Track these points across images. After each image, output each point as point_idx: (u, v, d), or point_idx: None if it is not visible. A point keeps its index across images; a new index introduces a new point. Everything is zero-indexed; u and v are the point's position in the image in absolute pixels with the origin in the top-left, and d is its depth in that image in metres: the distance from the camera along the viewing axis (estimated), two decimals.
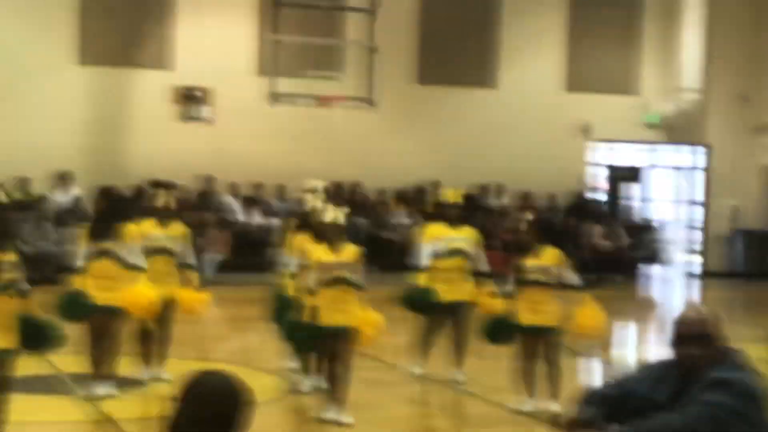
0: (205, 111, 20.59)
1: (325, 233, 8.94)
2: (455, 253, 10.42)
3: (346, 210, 9.01)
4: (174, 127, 20.39)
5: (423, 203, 21.40)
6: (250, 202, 20.35)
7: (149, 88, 20.23)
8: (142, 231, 9.98)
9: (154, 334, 10.22)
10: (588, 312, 9.28)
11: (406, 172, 21.52)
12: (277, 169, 20.50)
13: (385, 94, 19.08)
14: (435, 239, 10.52)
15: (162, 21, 20.37)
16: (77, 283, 9.46)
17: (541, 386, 9.45)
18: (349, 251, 8.95)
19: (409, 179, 21.54)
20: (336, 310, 8.78)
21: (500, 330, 9.42)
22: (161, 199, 10.24)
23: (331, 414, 8.85)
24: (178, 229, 10.28)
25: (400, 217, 20.66)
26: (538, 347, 9.32)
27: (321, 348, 8.97)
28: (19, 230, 16.38)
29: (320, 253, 8.85)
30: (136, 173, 19.21)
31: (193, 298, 10.28)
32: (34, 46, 19.55)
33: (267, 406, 9.40)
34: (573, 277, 9.41)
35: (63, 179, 19.40)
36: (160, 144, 20.10)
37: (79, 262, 9.50)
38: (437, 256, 10.43)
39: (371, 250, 20.14)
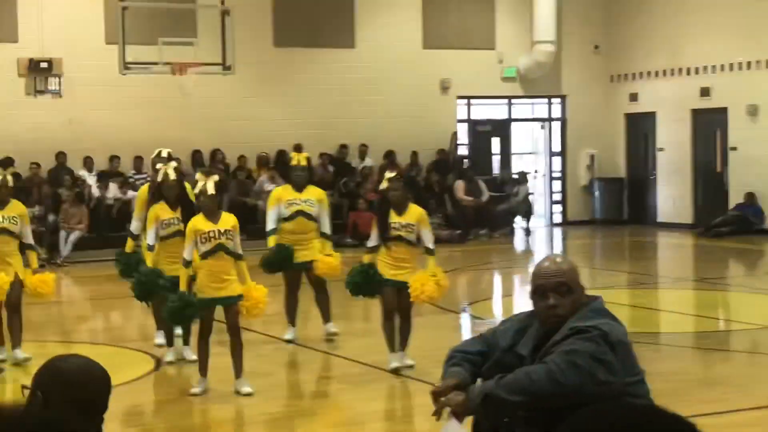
0: (54, 83, 19.86)
1: (185, 201, 8.83)
2: (297, 214, 10.63)
3: (216, 178, 8.72)
4: (22, 101, 19.64)
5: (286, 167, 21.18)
6: (106, 176, 19.78)
7: None
8: None
9: (3, 317, 9.84)
10: (422, 278, 9.24)
11: (267, 137, 21.24)
12: (133, 140, 19.96)
13: (240, 59, 18.73)
14: (279, 203, 10.72)
15: None
16: None
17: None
18: (226, 219, 8.72)
19: (271, 144, 21.27)
20: (217, 281, 8.56)
21: (364, 283, 9.43)
22: None
23: (244, 387, 8.70)
24: (16, 208, 9.87)
25: (264, 183, 20.38)
26: (398, 303, 9.33)
27: (202, 321, 8.69)
28: None
29: (198, 222, 8.58)
30: None
31: (38, 279, 9.91)
32: None
33: (138, 383, 9.17)
34: (428, 239, 9.38)
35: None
36: (9, 120, 19.33)
37: None
38: (283, 219, 10.67)
39: (236, 217, 20.02)
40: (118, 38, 17.52)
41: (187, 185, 9.71)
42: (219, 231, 8.54)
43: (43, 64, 19.64)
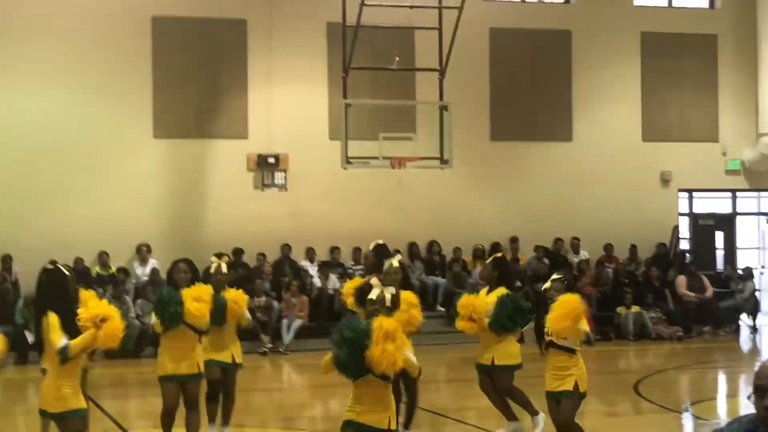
0: (279, 177, 20.71)
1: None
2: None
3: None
4: (250, 194, 20.54)
5: None
6: (327, 266, 20.32)
7: (224, 158, 20.44)
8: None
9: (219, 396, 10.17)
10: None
11: (482, 229, 21.35)
12: (353, 232, 20.49)
13: (457, 152, 18.99)
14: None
15: (234, 91, 20.62)
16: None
17: None
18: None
19: (486, 236, 21.35)
20: None
21: None
22: (215, 267, 10.14)
23: None
24: (235, 295, 10.23)
25: (478, 275, 20.40)
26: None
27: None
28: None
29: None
30: (214, 243, 19.30)
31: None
32: (111, 122, 19.91)
33: None
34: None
35: (141, 252, 19.60)
36: (237, 212, 20.25)
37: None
38: None
39: (449, 308, 20.09)
40: (341, 134, 18.11)
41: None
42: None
43: (271, 159, 20.54)
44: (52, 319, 7.13)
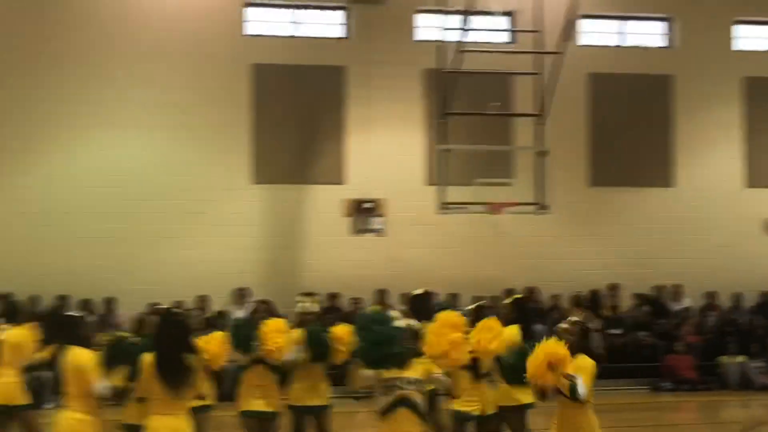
0: (377, 222, 20.76)
1: None
2: None
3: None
4: (347, 240, 20.61)
5: (600, 308, 20.86)
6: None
7: (321, 203, 20.58)
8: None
9: None
10: None
11: (581, 277, 21.04)
12: (450, 278, 20.39)
13: (556, 198, 18.81)
14: None
15: (332, 137, 20.80)
16: None
17: None
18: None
19: (585, 283, 21.05)
20: None
21: None
22: (303, 306, 10.11)
23: None
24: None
25: None
26: None
27: None
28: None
29: None
30: (311, 287, 19.37)
31: None
32: (211, 168, 20.23)
33: None
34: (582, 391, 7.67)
35: (240, 295, 19.79)
36: (333, 257, 20.33)
37: None
38: None
39: None
40: (438, 179, 18.10)
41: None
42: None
43: (368, 205, 20.60)
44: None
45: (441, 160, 18.03)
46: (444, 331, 7.55)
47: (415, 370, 6.34)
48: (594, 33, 22.21)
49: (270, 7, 21.02)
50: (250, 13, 20.85)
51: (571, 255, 21.17)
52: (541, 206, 18.35)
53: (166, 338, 7.47)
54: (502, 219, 18.65)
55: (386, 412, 6.32)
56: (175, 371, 7.30)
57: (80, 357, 7.63)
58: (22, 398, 9.90)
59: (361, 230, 20.74)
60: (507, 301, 10.35)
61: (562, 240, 21.21)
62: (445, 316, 7.68)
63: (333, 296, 19.78)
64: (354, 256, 20.45)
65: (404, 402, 6.34)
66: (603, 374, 21.01)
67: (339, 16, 21.18)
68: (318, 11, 21.16)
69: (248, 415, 9.59)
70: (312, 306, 9.99)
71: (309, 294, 10.32)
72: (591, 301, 20.86)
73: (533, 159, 18.61)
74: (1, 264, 19.11)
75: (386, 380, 6.28)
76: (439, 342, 7.32)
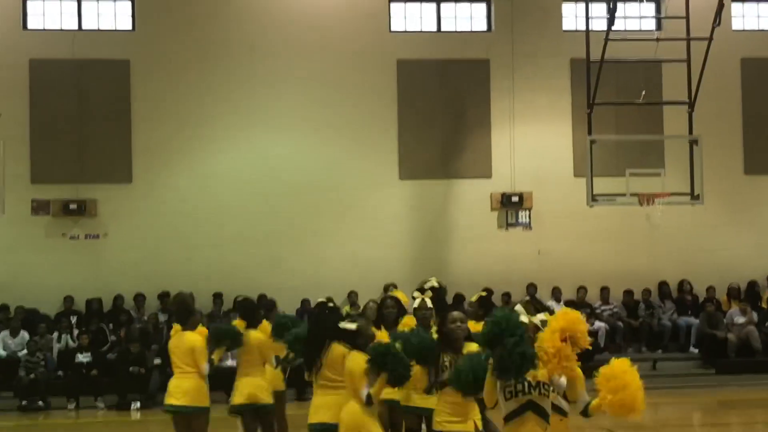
0: (523, 216, 20.60)
1: None
2: None
3: None
4: (494, 234, 20.52)
5: (758, 300, 20.23)
6: (573, 305, 19.97)
7: (468, 198, 20.53)
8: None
9: None
10: None
11: (737, 267, 20.42)
12: (600, 271, 20.10)
13: (709, 187, 18.32)
14: None
15: (477, 130, 20.72)
16: None
17: None
18: None
19: (741, 275, 20.41)
20: None
21: None
22: (418, 302, 9.84)
23: None
24: None
25: (734, 315, 19.57)
26: None
27: None
28: None
29: None
30: (459, 282, 19.38)
31: None
32: (358, 164, 20.41)
33: None
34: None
35: (388, 291, 19.87)
36: (481, 252, 20.27)
37: None
38: None
39: (704, 350, 19.31)
40: (586, 171, 17.85)
41: None
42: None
43: (515, 198, 20.47)
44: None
45: (589, 152, 17.78)
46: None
47: (539, 373, 6.09)
48: (747, 17, 21.51)
49: (414, 1, 21.09)
50: (395, 8, 20.95)
51: (727, 245, 20.57)
52: (693, 196, 17.91)
53: (320, 328, 8.28)
54: (654, 210, 18.24)
55: (512, 417, 6.11)
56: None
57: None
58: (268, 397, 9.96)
59: (508, 224, 20.62)
60: (473, 298, 9.98)
61: (717, 230, 20.63)
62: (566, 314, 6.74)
63: (486, 291, 19.71)
64: (502, 250, 20.34)
65: (530, 406, 6.10)
66: (761, 368, 20.46)
67: (482, 8, 21.09)
68: (462, 4, 21.12)
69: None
70: (428, 301, 9.57)
71: (422, 290, 9.52)
72: (748, 293, 20.24)
73: (685, 148, 18.16)
74: (160, 264, 19.69)
75: (510, 384, 6.06)
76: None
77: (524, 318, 6.29)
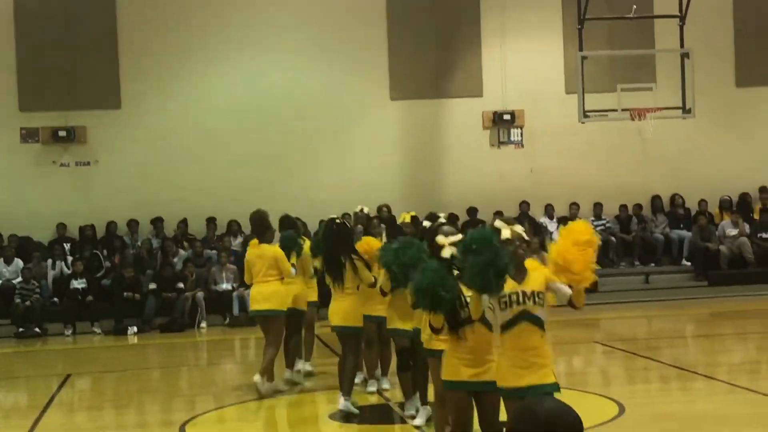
0: (515, 134, 20.56)
1: None
2: None
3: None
4: (486, 153, 20.50)
5: (749, 211, 20.30)
6: (565, 222, 20.02)
7: (460, 117, 20.46)
8: None
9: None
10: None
11: (728, 180, 20.47)
12: (592, 187, 20.15)
13: (700, 101, 18.28)
14: None
15: (468, 49, 20.56)
16: None
17: None
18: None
19: (733, 187, 20.47)
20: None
21: None
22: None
23: None
24: None
25: (726, 227, 19.66)
26: None
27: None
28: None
29: None
30: (451, 202, 19.43)
31: None
32: (349, 86, 20.29)
33: (601, 428, 9.05)
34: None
35: (381, 212, 19.91)
36: (473, 171, 20.27)
37: None
38: None
39: (696, 262, 19.43)
40: (578, 87, 17.79)
41: None
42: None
43: (506, 117, 20.41)
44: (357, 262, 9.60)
45: (581, 68, 17.69)
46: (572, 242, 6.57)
47: (534, 282, 6.13)
48: None
49: None
50: None
51: (718, 158, 20.58)
52: (685, 110, 17.89)
53: (332, 242, 9.66)
54: (646, 125, 18.22)
55: (507, 327, 6.14)
56: (338, 268, 9.59)
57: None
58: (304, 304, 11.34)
59: (500, 143, 20.59)
60: (405, 218, 10.26)
61: (709, 143, 20.62)
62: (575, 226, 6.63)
63: (471, 211, 19.78)
64: (494, 169, 20.35)
65: (524, 316, 6.11)
66: (753, 279, 20.65)
67: None
68: None
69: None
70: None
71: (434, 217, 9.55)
72: (740, 205, 20.32)
73: (676, 62, 18.08)
74: (152, 190, 19.68)
75: (504, 295, 6.09)
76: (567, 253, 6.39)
77: (506, 232, 6.26)
